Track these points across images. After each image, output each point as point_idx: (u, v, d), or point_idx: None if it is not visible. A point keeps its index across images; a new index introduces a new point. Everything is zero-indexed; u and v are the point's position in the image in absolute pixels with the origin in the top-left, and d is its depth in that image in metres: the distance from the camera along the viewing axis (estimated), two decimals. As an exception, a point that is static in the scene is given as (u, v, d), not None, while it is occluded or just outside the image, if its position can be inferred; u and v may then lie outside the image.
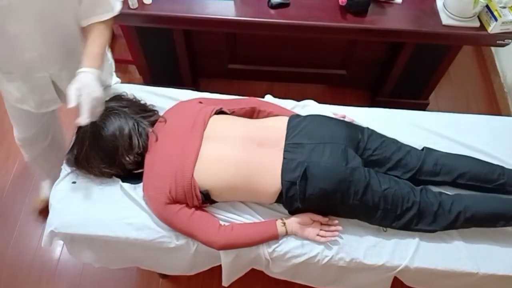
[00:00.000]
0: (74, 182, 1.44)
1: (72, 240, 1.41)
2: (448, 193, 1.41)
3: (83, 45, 1.34)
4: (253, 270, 1.46)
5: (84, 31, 1.37)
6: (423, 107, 2.44)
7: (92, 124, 1.33)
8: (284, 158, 1.32)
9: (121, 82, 1.76)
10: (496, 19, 1.76)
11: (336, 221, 1.36)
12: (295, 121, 1.43)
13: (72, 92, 1.20)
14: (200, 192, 1.29)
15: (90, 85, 1.23)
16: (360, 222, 1.39)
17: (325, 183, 1.28)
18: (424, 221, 1.34)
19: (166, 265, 1.49)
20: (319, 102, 1.70)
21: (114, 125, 1.34)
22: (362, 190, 1.29)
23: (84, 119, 1.21)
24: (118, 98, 1.47)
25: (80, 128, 1.37)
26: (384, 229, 1.38)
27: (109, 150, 1.33)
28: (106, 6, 1.35)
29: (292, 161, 1.31)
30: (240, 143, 1.35)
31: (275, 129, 1.41)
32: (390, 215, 1.33)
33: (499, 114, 2.45)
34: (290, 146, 1.34)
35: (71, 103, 1.19)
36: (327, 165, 1.29)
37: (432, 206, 1.33)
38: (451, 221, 1.34)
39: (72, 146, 1.43)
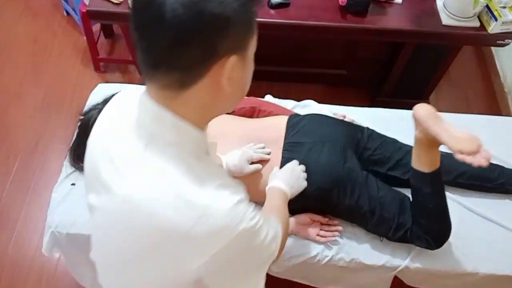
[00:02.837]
0: (73, 184, 1.44)
1: (72, 246, 1.41)
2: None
3: None
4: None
5: None
6: (423, 107, 2.44)
7: (99, 112, 1.36)
8: (283, 157, 1.32)
9: (121, 82, 1.76)
10: (496, 19, 1.76)
11: (336, 221, 1.36)
12: (294, 120, 1.43)
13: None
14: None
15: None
16: (360, 222, 1.39)
17: (322, 180, 1.28)
18: (420, 238, 1.30)
19: None
20: (319, 102, 1.70)
21: None
22: (359, 191, 1.29)
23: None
24: None
25: (84, 116, 1.40)
26: (381, 238, 1.37)
27: None
28: None
29: (290, 160, 1.31)
30: (239, 142, 1.35)
31: (274, 127, 1.41)
32: (386, 224, 1.30)
33: (499, 114, 2.45)
34: (289, 145, 1.34)
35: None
36: (325, 163, 1.29)
37: None
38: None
39: (75, 138, 1.46)
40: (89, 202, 0.77)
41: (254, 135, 1.38)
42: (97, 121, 0.80)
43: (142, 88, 0.69)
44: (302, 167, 1.23)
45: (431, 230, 1.28)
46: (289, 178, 1.16)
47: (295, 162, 1.24)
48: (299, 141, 1.35)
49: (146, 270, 0.70)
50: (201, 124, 0.70)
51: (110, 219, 0.71)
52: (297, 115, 1.49)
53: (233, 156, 1.27)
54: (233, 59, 0.61)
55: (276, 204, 1.08)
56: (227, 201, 0.64)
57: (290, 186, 1.15)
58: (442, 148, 1.49)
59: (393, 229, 1.30)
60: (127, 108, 0.73)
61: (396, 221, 1.30)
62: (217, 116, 0.73)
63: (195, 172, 0.65)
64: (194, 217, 0.62)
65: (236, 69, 0.63)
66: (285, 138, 1.37)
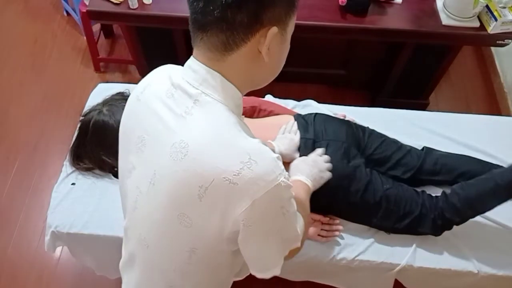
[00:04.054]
0: (73, 184, 1.44)
1: (74, 243, 1.41)
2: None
3: None
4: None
5: None
6: (423, 107, 2.44)
7: (99, 113, 1.37)
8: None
9: (121, 82, 1.76)
10: (496, 19, 1.76)
11: (337, 221, 1.36)
12: (301, 118, 1.43)
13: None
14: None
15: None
16: (361, 221, 1.39)
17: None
18: (426, 224, 1.32)
19: None
20: (319, 102, 1.70)
21: (120, 114, 1.35)
22: (364, 188, 1.29)
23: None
24: (121, 94, 1.50)
25: (84, 118, 1.41)
26: (388, 232, 1.38)
27: (112, 137, 1.34)
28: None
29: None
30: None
31: (279, 127, 1.41)
32: (392, 215, 1.32)
33: (499, 114, 2.45)
34: (310, 143, 1.35)
35: None
36: (331, 162, 1.29)
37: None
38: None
39: (76, 139, 1.46)
40: (129, 165, 0.83)
41: (257, 135, 1.37)
42: (136, 91, 0.86)
43: (172, 65, 0.82)
44: (326, 157, 1.24)
45: (465, 202, 1.27)
46: (311, 171, 1.17)
47: (318, 152, 1.26)
48: (311, 138, 1.35)
49: (191, 220, 0.74)
50: (242, 90, 0.77)
51: (158, 171, 0.75)
52: (299, 114, 1.49)
53: (282, 142, 1.31)
54: (273, 31, 0.70)
55: (298, 198, 1.07)
56: (269, 153, 0.72)
57: (313, 179, 1.16)
58: (443, 148, 1.51)
59: (399, 219, 1.31)
60: (167, 75, 0.80)
61: (402, 210, 1.31)
62: (255, 87, 0.80)
63: (241, 127, 0.73)
64: (241, 162, 0.68)
65: (275, 42, 0.72)
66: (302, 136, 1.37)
